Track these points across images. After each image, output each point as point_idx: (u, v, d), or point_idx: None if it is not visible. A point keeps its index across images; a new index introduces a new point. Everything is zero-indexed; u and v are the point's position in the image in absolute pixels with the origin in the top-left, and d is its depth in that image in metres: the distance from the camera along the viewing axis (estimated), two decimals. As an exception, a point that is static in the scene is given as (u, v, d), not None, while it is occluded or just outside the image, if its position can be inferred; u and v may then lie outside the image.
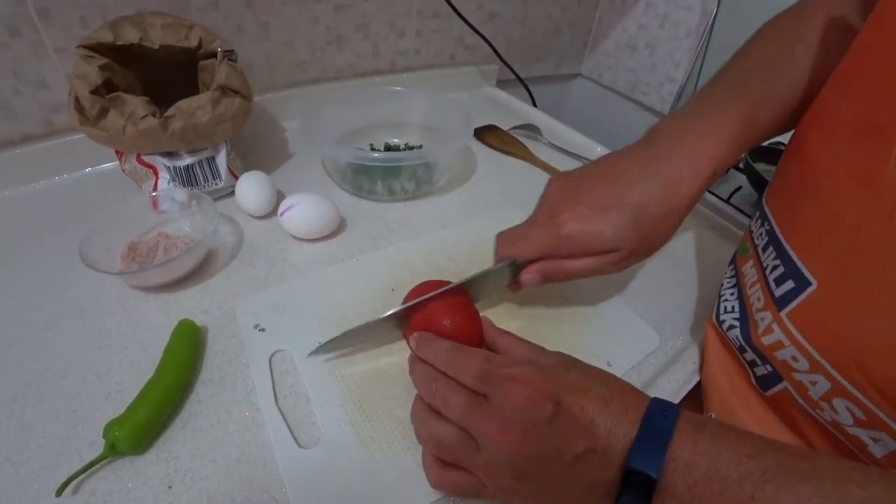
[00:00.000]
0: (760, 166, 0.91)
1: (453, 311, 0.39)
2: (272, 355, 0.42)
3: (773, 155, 0.95)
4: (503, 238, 0.43)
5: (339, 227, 0.56)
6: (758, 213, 0.43)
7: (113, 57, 0.52)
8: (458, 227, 0.59)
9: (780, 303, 0.36)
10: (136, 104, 0.50)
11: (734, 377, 0.42)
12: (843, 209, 0.32)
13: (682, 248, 0.60)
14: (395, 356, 0.42)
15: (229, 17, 0.67)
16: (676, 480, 0.25)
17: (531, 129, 0.81)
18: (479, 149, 0.76)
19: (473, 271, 0.42)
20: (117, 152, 0.57)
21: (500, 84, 1.00)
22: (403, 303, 0.42)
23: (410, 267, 0.52)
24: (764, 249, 0.39)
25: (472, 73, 0.97)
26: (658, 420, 0.27)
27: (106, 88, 0.51)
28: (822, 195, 0.34)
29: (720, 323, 0.43)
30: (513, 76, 0.98)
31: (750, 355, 0.40)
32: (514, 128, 0.81)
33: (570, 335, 0.46)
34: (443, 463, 0.32)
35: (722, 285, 0.46)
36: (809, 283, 0.33)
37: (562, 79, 1.16)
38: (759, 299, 0.39)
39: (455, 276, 0.50)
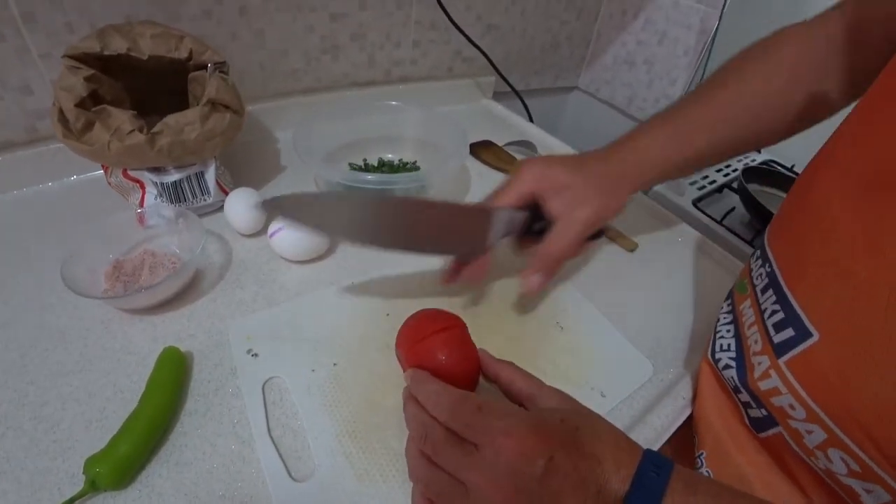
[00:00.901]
0: (753, 187, 0.91)
1: (451, 345, 0.38)
2: (265, 382, 0.41)
3: (765, 175, 0.96)
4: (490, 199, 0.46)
5: (330, 249, 0.55)
6: (758, 252, 0.43)
7: (100, 67, 0.51)
8: (452, 249, 0.58)
9: (779, 349, 0.35)
10: (123, 118, 0.48)
11: (728, 417, 0.42)
12: (852, 263, 0.31)
13: (675, 274, 0.60)
14: (391, 387, 0.42)
15: (223, 24, 0.66)
16: None
17: (526, 145, 0.80)
18: (474, 165, 0.76)
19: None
20: (103, 165, 0.55)
21: (497, 96, 1.00)
22: (400, 332, 0.41)
23: (405, 291, 0.51)
24: (763, 291, 0.39)
25: (468, 85, 0.96)
26: (650, 478, 0.26)
27: (92, 100, 0.49)
28: (830, 246, 0.33)
29: (715, 361, 0.43)
30: (509, 88, 0.97)
31: (745, 397, 0.39)
32: (509, 143, 0.81)
33: (565, 366, 0.46)
34: (431, 502, 0.32)
35: (718, 320, 0.46)
36: (811, 335, 0.33)
37: (559, 91, 1.15)
38: (756, 342, 0.38)
39: (450, 300, 0.50)
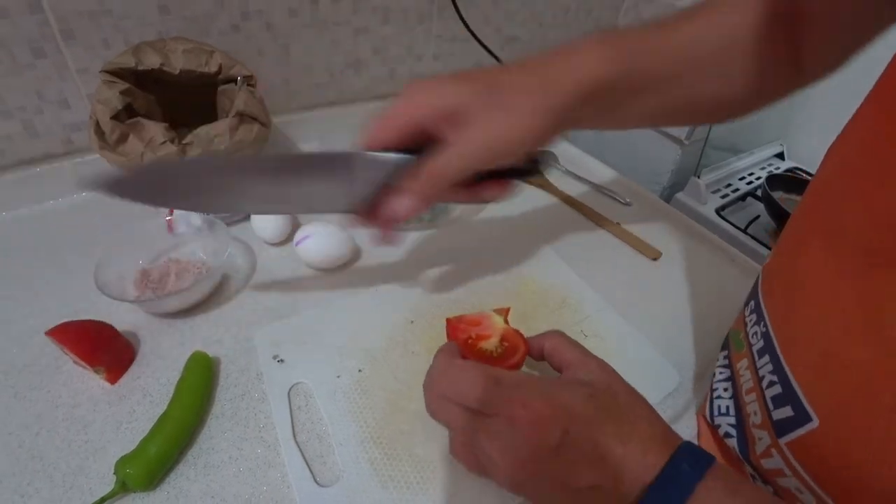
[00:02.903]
0: (778, 194, 0.90)
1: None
2: (291, 388, 0.42)
3: (789, 183, 0.94)
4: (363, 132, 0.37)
5: (355, 257, 0.56)
6: (752, 303, 0.37)
7: (134, 81, 0.53)
8: (475, 258, 0.58)
9: (779, 428, 0.31)
10: (156, 130, 0.50)
11: None
12: (852, 350, 0.26)
13: (698, 283, 0.59)
14: (416, 393, 0.41)
15: (250, 39, 0.68)
16: None
17: (547, 154, 0.80)
18: (495, 174, 0.76)
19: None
20: (135, 175, 0.57)
21: (516, 106, 1.00)
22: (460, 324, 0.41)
23: (429, 298, 0.51)
24: (759, 354, 0.34)
25: (488, 96, 0.96)
26: (681, 471, 0.25)
27: (126, 113, 0.51)
28: (828, 326, 0.28)
29: (715, 426, 0.39)
30: (528, 99, 0.98)
31: (749, 469, 0.36)
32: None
33: (588, 374, 0.45)
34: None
35: (713, 376, 0.42)
36: (810, 419, 0.28)
37: (577, 101, 1.15)
38: (755, 413, 0.33)
39: (475, 306, 0.50)
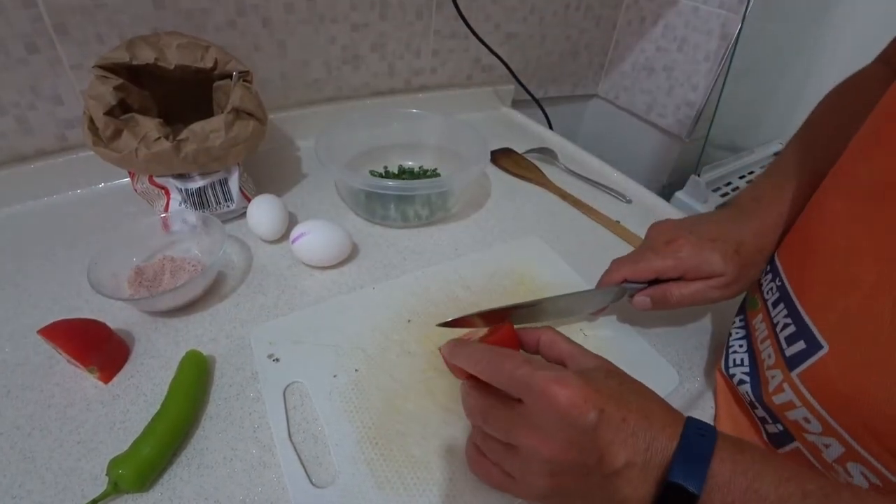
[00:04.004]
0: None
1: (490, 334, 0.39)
2: (286, 387, 0.41)
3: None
4: (620, 261, 0.46)
5: (352, 255, 0.55)
6: (768, 267, 0.43)
7: (128, 76, 0.52)
8: (473, 256, 0.57)
9: (791, 362, 0.35)
10: (150, 126, 0.50)
11: (745, 432, 0.41)
12: (858, 272, 0.31)
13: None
14: (412, 392, 0.41)
15: (246, 35, 0.67)
16: (713, 497, 0.25)
17: (547, 152, 0.80)
18: (494, 172, 0.75)
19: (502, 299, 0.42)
20: (130, 172, 0.57)
21: (516, 104, 1.00)
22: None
23: (426, 296, 0.51)
24: (774, 305, 0.39)
25: (487, 94, 0.96)
26: (697, 439, 0.27)
27: (120, 109, 0.50)
28: (837, 258, 0.33)
29: (730, 376, 0.43)
30: (528, 97, 0.97)
31: (761, 412, 0.39)
32: (530, 151, 0.80)
33: (587, 374, 0.45)
34: (481, 452, 0.33)
35: (730, 335, 0.46)
36: (821, 346, 0.32)
37: (578, 99, 1.15)
38: (769, 356, 0.38)
39: (472, 304, 0.50)
